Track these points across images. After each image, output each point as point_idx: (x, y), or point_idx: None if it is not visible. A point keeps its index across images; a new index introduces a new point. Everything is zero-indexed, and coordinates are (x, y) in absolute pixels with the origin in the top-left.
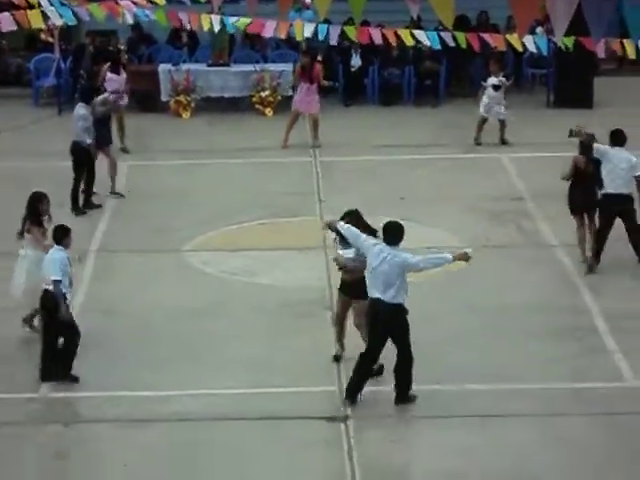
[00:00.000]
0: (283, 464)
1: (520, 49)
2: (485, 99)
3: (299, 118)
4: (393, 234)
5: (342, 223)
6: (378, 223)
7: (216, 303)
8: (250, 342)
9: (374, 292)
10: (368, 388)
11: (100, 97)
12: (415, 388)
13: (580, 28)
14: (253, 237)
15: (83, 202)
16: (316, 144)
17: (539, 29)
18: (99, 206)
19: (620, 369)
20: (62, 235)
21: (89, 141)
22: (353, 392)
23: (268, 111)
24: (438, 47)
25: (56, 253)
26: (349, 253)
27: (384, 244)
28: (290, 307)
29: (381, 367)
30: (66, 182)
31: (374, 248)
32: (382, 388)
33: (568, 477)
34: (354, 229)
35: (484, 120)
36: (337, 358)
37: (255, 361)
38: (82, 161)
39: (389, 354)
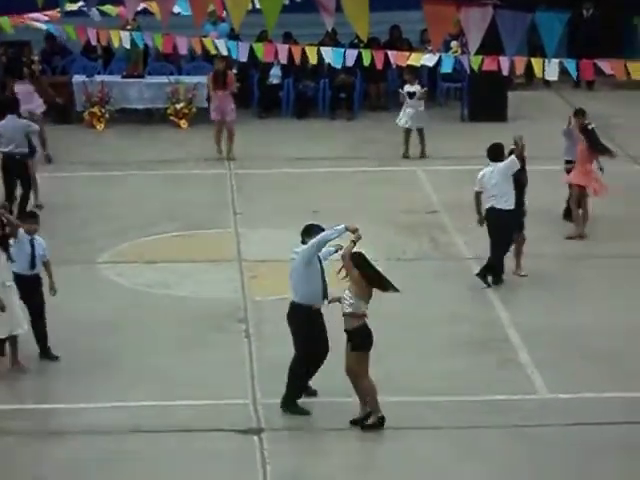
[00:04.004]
0: (196, 476)
1: (418, 65)
2: (407, 109)
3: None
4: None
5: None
6: (292, 235)
7: (130, 315)
8: (164, 355)
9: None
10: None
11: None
12: (328, 400)
13: (493, 45)
14: (168, 249)
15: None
16: (231, 156)
17: (454, 43)
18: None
19: (533, 381)
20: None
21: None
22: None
23: (183, 123)
24: (338, 66)
25: None
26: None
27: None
28: (204, 320)
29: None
30: None
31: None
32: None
33: None
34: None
35: (407, 131)
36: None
37: (168, 374)
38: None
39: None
